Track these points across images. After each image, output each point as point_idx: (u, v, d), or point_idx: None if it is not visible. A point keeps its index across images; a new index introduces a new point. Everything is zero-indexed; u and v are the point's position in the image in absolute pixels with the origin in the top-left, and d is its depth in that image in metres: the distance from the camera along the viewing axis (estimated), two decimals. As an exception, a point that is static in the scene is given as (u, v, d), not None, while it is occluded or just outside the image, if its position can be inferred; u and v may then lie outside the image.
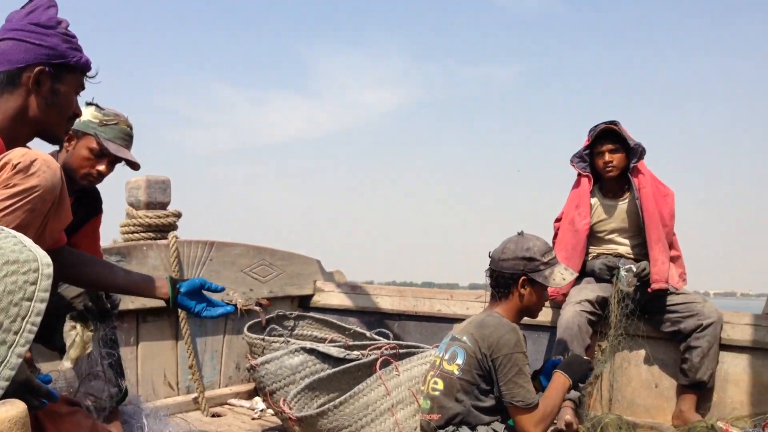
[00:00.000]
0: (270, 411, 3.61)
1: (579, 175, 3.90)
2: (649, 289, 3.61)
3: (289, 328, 3.98)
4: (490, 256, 2.73)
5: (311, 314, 4.17)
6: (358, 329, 4.00)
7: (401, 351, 3.06)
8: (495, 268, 2.67)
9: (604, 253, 3.88)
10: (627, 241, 3.85)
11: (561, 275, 2.65)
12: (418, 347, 3.17)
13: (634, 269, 3.65)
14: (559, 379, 2.55)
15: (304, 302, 4.70)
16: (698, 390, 3.59)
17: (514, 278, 2.61)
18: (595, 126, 3.79)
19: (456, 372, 2.50)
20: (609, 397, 3.81)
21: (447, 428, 2.46)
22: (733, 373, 3.65)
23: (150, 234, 3.87)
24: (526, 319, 2.73)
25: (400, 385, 2.68)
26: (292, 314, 4.03)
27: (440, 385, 2.53)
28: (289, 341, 3.47)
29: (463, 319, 4.29)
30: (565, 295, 3.76)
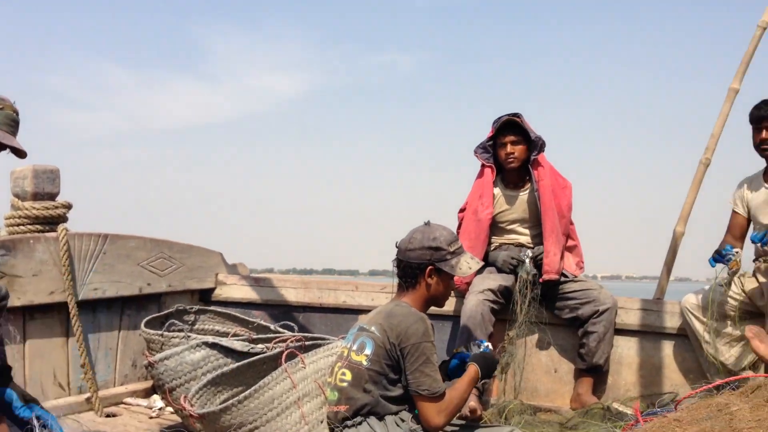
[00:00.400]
0: (169, 409, 3.47)
1: (482, 165, 3.96)
2: (540, 280, 3.72)
3: (190, 322, 3.84)
4: (396, 246, 2.72)
5: (213, 308, 4.05)
6: (262, 322, 3.91)
7: (307, 343, 3.01)
8: (402, 258, 2.66)
9: (505, 243, 3.96)
10: (528, 231, 3.94)
11: (467, 264, 2.67)
12: (324, 339, 3.13)
13: (530, 254, 3.75)
14: (472, 371, 2.56)
15: (205, 296, 4.55)
16: (595, 374, 3.73)
17: (421, 268, 2.61)
18: (499, 117, 3.85)
19: (364, 362, 2.47)
20: (512, 383, 3.90)
21: (355, 419, 2.43)
22: (626, 356, 3.81)
23: (37, 226, 3.63)
24: (430, 308, 2.74)
25: (306, 378, 2.63)
26: (192, 308, 3.89)
27: (348, 376, 2.50)
28: (189, 336, 3.34)
29: (368, 310, 4.27)
30: (469, 284, 3.81)
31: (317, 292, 4.43)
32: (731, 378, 1.09)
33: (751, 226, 3.63)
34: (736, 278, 3.49)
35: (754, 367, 3.44)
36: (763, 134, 3.44)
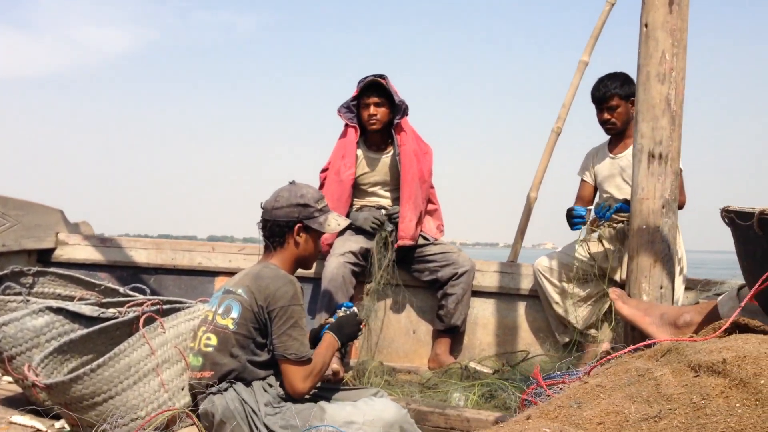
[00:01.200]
0: (8, 378, 3.16)
1: (346, 125, 3.90)
2: (395, 245, 3.74)
3: (27, 285, 3.49)
4: (262, 207, 2.61)
5: (54, 270, 3.72)
6: (110, 285, 3.64)
7: (165, 307, 2.82)
8: (268, 217, 2.56)
9: (366, 206, 3.95)
10: (389, 194, 3.94)
11: (336, 221, 2.63)
12: (183, 302, 2.96)
13: (384, 212, 3.78)
14: (327, 339, 2.53)
15: (44, 256, 4.19)
16: (452, 334, 3.84)
17: (289, 225, 2.53)
18: (364, 78, 3.79)
19: (231, 326, 2.36)
20: (372, 344, 3.93)
21: (220, 385, 2.32)
22: (482, 317, 3.95)
23: None
24: (292, 272, 2.67)
25: (165, 344, 2.47)
26: (30, 270, 3.54)
27: (213, 341, 2.37)
28: (29, 300, 3.04)
29: (226, 273, 4.13)
30: (330, 245, 3.77)
31: (171, 253, 4.21)
32: (647, 342, 1.13)
33: (598, 194, 3.85)
34: (581, 243, 3.71)
35: (597, 326, 3.69)
36: (605, 115, 3.64)
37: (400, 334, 3.99)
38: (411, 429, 2.40)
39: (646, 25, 1.96)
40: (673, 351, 1.01)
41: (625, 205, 3.46)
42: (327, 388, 2.62)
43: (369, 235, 3.80)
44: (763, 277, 1.02)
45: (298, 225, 2.53)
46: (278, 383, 2.38)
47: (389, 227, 3.77)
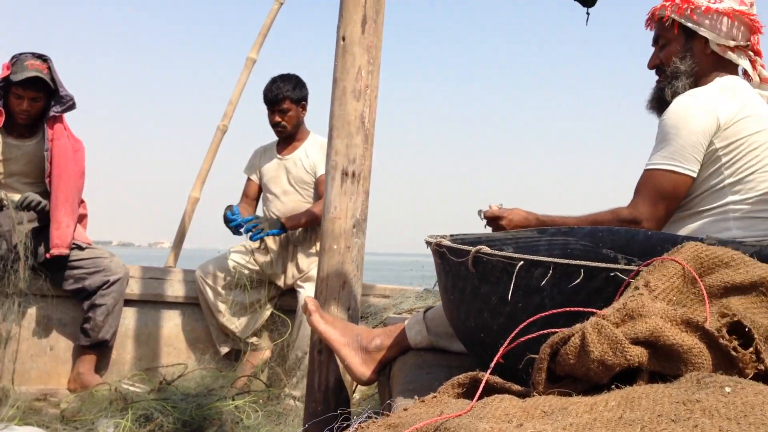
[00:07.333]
0: None
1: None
2: (47, 255, 3.20)
3: None
4: None
5: None
6: None
7: None
8: None
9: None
10: (27, 190, 3.33)
11: None
12: None
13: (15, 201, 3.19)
14: None
15: None
16: (99, 349, 3.40)
17: None
18: (19, 54, 3.15)
19: None
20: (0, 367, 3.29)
21: None
22: (134, 329, 3.59)
23: None
24: None
25: None
26: None
27: None
28: None
29: None
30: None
31: None
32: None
33: (263, 193, 3.75)
34: (245, 252, 3.59)
35: (257, 334, 3.59)
36: (276, 117, 3.57)
37: (35, 352, 3.40)
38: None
39: (343, 38, 1.89)
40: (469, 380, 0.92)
41: (277, 231, 3.42)
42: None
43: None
44: (511, 335, 0.97)
45: None
46: None
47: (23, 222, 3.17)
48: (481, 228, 2.01)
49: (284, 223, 3.46)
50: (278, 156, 3.69)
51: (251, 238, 3.40)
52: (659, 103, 1.97)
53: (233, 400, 3.03)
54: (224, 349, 3.56)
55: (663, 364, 0.84)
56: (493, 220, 1.97)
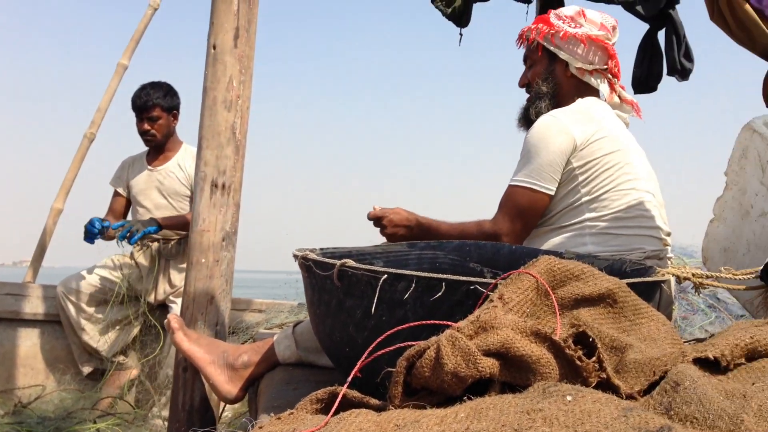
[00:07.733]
0: None
1: None
2: None
3: None
4: None
5: None
6: None
7: None
8: None
9: None
10: None
11: None
12: None
13: None
14: None
15: None
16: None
17: None
18: None
19: None
20: None
21: None
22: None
23: None
24: None
25: None
26: None
27: None
28: None
29: None
30: None
31: None
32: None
33: (132, 207, 3.60)
34: (113, 267, 3.43)
35: (124, 353, 3.43)
36: (145, 125, 3.44)
37: None
38: None
39: (214, 47, 1.84)
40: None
41: (154, 228, 3.26)
42: None
43: None
44: (369, 349, 0.97)
45: None
46: None
47: None
48: (360, 241, 2.02)
49: (159, 222, 3.29)
50: (149, 167, 3.55)
51: (130, 242, 3.19)
52: (526, 121, 2.05)
53: (95, 422, 2.87)
54: (87, 369, 3.36)
55: (514, 374, 0.86)
56: (377, 221, 1.98)
